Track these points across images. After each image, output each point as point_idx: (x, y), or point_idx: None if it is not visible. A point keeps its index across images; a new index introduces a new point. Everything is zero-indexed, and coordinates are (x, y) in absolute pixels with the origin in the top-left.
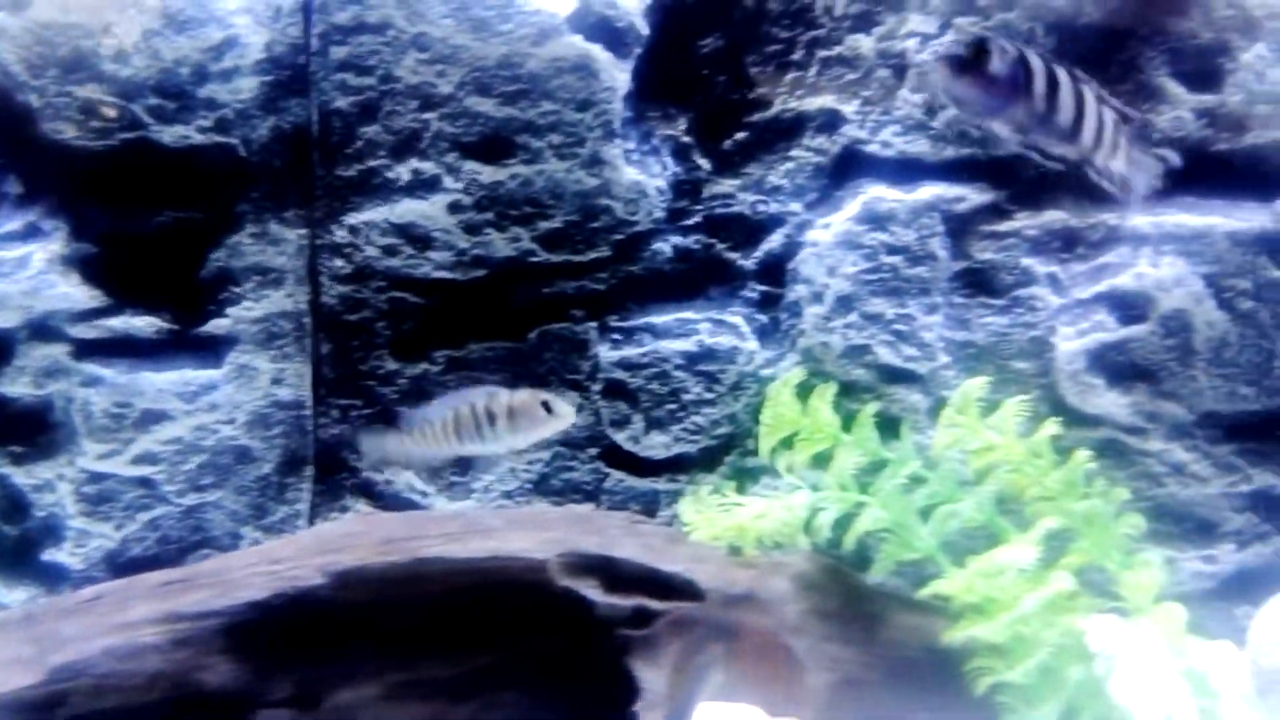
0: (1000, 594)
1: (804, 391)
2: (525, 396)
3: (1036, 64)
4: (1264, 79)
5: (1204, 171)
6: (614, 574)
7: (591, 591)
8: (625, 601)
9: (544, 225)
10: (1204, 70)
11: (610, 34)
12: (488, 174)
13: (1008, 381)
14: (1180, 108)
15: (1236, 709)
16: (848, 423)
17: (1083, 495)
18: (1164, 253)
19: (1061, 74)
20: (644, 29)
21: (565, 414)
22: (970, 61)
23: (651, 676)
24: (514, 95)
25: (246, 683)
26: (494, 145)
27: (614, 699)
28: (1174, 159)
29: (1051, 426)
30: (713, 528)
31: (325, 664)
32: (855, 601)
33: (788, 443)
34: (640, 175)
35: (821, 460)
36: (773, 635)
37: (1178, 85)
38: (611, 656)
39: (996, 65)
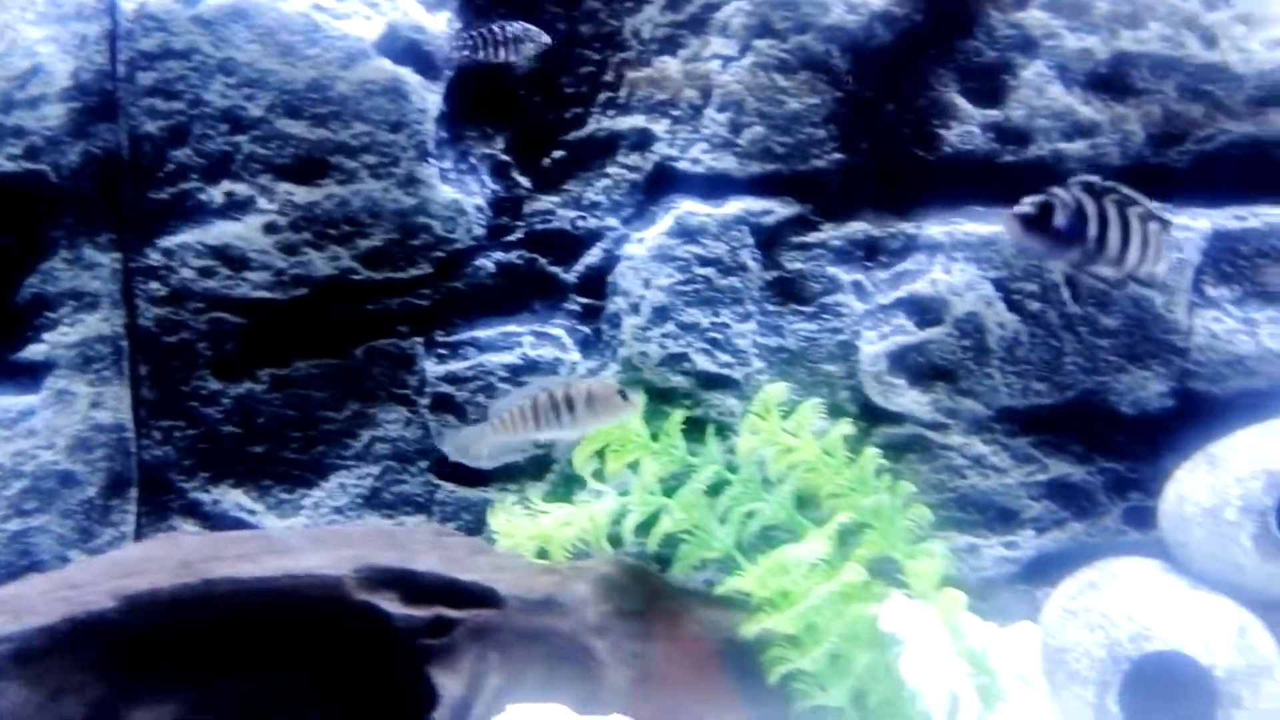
0: (794, 587)
1: None
2: (600, 384)
3: (1090, 209)
4: (1043, 94)
5: (992, 182)
6: (412, 586)
7: (389, 604)
8: (423, 612)
9: (364, 244)
10: (989, 87)
11: (419, 57)
12: (302, 194)
13: (818, 384)
14: (969, 123)
15: (1013, 685)
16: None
17: (872, 491)
18: (956, 259)
19: (1110, 208)
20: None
21: (636, 401)
22: (1037, 219)
23: (449, 683)
24: (325, 117)
25: (38, 707)
26: (308, 166)
27: (414, 707)
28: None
29: (844, 427)
30: (518, 536)
31: (118, 686)
32: (659, 600)
33: (602, 453)
34: (458, 194)
35: (637, 469)
36: (573, 637)
37: (966, 101)
38: (411, 666)
39: (1059, 219)
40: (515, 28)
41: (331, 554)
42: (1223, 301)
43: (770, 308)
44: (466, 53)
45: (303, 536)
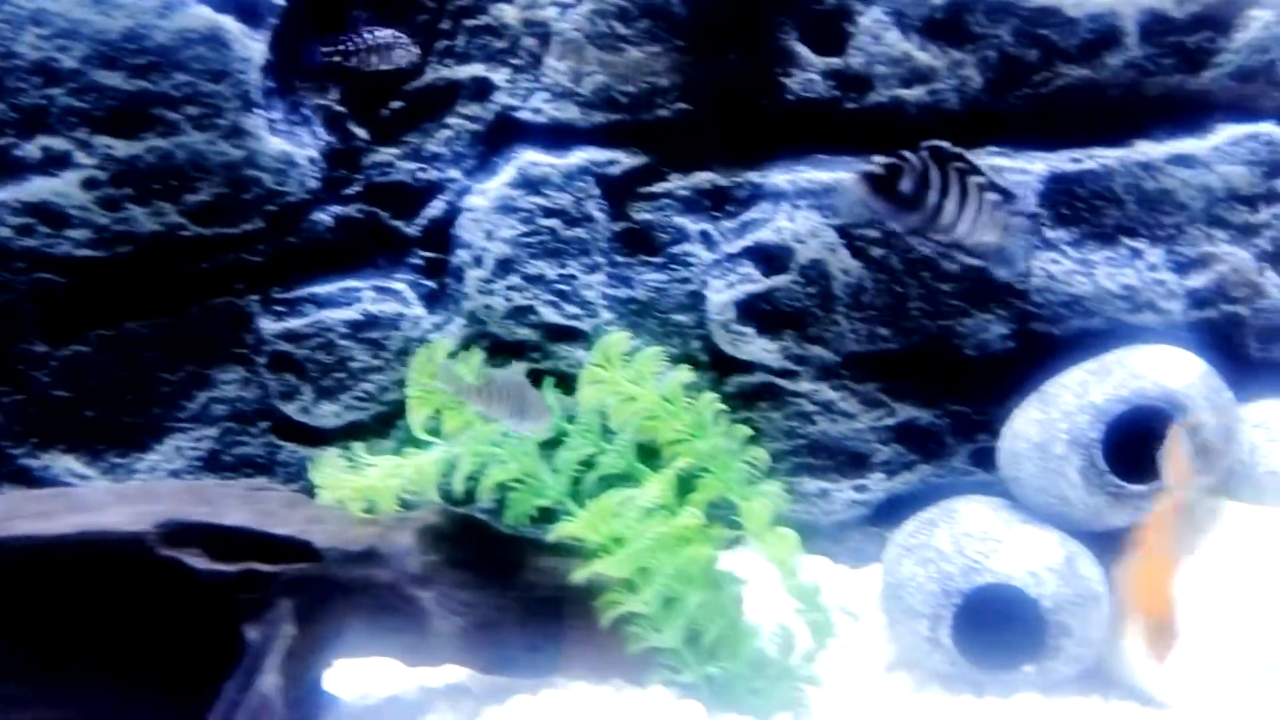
0: (628, 532)
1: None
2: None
3: (934, 176)
4: (881, 41)
5: (835, 130)
6: (221, 541)
7: (195, 559)
8: (232, 567)
9: (191, 199)
10: (829, 34)
11: (241, 4)
12: (122, 148)
13: (669, 334)
14: (810, 70)
15: (851, 622)
16: None
17: (710, 435)
18: (800, 207)
19: (952, 175)
20: None
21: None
22: (884, 180)
23: (260, 638)
24: (144, 68)
25: None
26: (127, 118)
27: (225, 662)
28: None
29: (683, 374)
30: (342, 489)
31: None
32: (490, 549)
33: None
34: (288, 145)
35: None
36: (395, 587)
37: (807, 49)
38: (221, 622)
39: (905, 184)
40: (384, 35)
41: (134, 510)
42: (1060, 243)
43: (619, 259)
44: (338, 59)
45: (106, 493)
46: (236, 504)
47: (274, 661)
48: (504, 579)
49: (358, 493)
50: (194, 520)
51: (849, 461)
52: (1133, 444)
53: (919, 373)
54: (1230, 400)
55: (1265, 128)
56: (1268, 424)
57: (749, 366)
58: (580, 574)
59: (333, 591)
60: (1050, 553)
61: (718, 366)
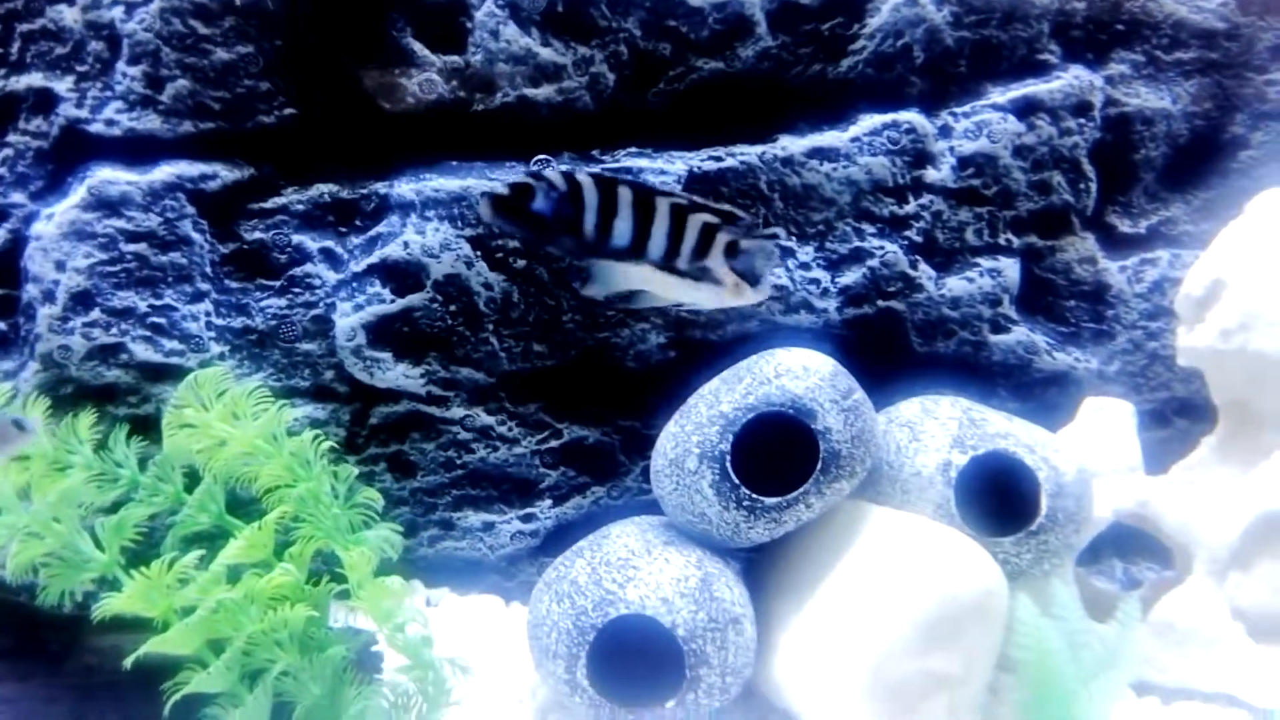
0: (201, 598)
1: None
2: None
3: (590, 196)
4: (499, 36)
5: (466, 134)
6: None
7: None
8: None
9: None
10: (446, 31)
11: None
12: None
13: (297, 365)
14: (429, 70)
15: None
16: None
17: (311, 478)
18: (429, 219)
19: (624, 193)
20: None
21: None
22: (512, 199)
23: None
24: None
25: None
26: None
27: None
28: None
29: (283, 413)
30: None
31: None
32: (35, 635)
33: None
34: None
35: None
36: None
37: (424, 48)
38: None
39: (540, 203)
40: None
41: None
42: None
43: (230, 284)
44: None
45: None
46: None
47: None
48: (53, 666)
49: None
50: None
51: (514, 490)
52: (771, 452)
53: (582, 389)
54: (860, 401)
55: (905, 116)
56: (913, 423)
57: (394, 395)
58: (128, 660)
59: None
60: (685, 577)
61: (359, 398)
